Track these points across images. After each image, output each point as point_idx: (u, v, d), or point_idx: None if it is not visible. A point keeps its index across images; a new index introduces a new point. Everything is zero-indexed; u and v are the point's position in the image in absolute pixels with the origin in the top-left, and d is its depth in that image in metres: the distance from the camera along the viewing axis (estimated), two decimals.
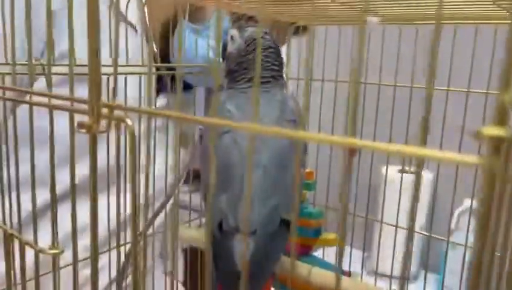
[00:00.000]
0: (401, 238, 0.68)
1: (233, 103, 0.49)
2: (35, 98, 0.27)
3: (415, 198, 0.18)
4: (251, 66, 0.51)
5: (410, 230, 0.19)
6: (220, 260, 0.45)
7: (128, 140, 0.22)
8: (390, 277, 0.73)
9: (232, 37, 0.53)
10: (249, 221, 0.45)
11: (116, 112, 0.22)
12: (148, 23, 0.66)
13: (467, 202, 1.06)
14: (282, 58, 0.54)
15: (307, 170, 0.64)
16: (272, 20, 0.64)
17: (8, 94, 0.33)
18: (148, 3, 0.67)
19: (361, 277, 0.79)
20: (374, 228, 1.13)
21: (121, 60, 0.55)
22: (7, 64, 0.39)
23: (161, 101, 0.72)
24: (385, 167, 1.12)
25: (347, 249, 0.81)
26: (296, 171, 0.43)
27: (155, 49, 0.66)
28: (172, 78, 0.69)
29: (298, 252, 0.60)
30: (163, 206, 0.66)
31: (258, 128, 0.18)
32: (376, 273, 0.86)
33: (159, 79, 0.70)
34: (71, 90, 0.25)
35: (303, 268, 0.52)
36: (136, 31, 0.66)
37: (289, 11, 0.53)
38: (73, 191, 0.28)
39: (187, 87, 0.73)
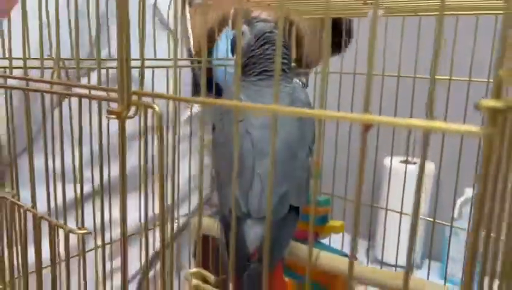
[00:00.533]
0: (405, 228, 0.69)
1: (244, 94, 0.51)
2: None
3: (420, 178, 0.20)
4: (260, 60, 0.53)
5: (417, 207, 0.21)
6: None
7: (156, 124, 0.24)
8: (395, 266, 0.75)
9: (242, 33, 0.55)
10: (259, 207, 0.47)
11: (145, 99, 0.24)
12: (190, 29, 0.72)
13: (468, 192, 1.08)
14: (290, 51, 0.56)
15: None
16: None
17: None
18: (193, 15, 0.72)
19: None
20: (378, 218, 1.14)
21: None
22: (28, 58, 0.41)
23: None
24: (387, 159, 1.14)
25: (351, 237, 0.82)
26: (317, 156, 0.45)
27: (193, 52, 0.71)
28: (209, 81, 0.72)
29: (305, 238, 0.62)
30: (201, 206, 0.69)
31: (277, 109, 0.20)
32: (382, 263, 0.87)
33: (196, 84, 0.74)
34: (99, 80, 0.27)
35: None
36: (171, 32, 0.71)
37: (296, 7, 0.55)
38: (101, 183, 0.30)
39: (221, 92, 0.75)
